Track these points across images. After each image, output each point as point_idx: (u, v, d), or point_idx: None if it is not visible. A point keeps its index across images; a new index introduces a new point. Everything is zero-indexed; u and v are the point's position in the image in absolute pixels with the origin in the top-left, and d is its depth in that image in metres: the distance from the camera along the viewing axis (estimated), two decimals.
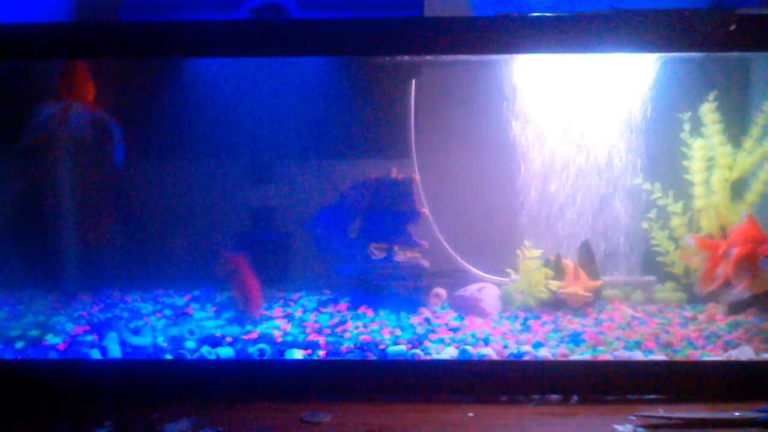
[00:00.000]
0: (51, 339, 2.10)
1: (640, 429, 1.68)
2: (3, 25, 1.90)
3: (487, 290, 2.33)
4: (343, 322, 2.19)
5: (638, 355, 1.95)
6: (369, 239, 2.36)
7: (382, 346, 2.00)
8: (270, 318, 2.24)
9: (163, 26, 1.94)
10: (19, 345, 2.06)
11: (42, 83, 2.31)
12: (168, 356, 1.99)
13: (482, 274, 2.44)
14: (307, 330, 2.13)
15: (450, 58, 2.25)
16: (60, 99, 2.22)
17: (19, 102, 2.25)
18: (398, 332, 2.11)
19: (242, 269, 2.26)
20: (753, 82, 2.38)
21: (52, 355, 2.01)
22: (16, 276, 2.27)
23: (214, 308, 2.35)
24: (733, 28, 1.80)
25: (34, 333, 2.13)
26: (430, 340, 2.04)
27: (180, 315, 2.29)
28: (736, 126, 2.30)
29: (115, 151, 2.18)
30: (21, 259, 2.29)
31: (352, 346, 2.01)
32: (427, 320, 2.21)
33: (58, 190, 2.45)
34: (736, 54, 2.19)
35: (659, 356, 1.95)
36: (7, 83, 2.24)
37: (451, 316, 2.24)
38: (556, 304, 2.29)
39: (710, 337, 2.06)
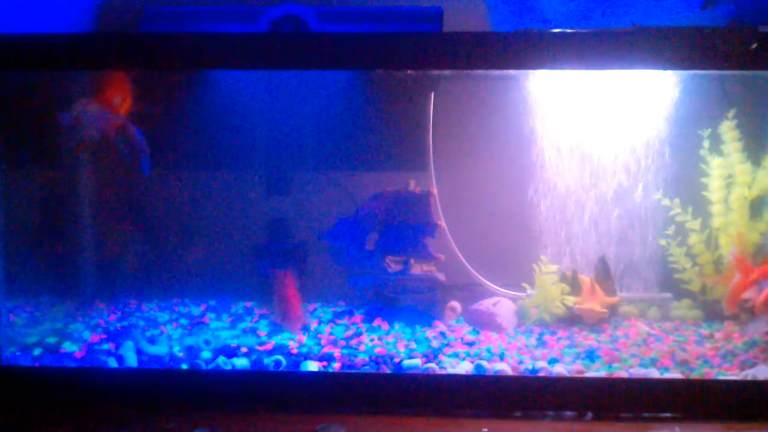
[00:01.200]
0: (68, 347, 2.11)
1: None
2: (24, 36, 1.92)
3: (502, 305, 2.32)
4: (358, 335, 2.20)
5: (654, 373, 1.94)
6: (385, 252, 2.36)
7: (396, 360, 2.00)
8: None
9: (183, 38, 1.96)
10: (37, 352, 2.08)
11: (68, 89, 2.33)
12: (184, 366, 2.00)
13: (498, 288, 2.44)
14: (323, 342, 2.14)
15: (469, 72, 2.25)
16: (92, 104, 2.21)
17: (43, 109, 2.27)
18: (413, 345, 2.11)
19: (287, 285, 2.22)
20: None
21: (69, 362, 2.03)
22: (34, 282, 2.28)
23: (230, 318, 2.36)
24: (754, 46, 1.79)
25: (52, 340, 2.15)
26: (445, 354, 2.04)
27: (196, 324, 2.30)
28: (756, 144, 2.29)
29: (142, 163, 2.16)
30: (38, 265, 2.30)
31: (367, 358, 2.01)
32: (443, 334, 2.21)
33: (76, 197, 2.47)
34: (756, 72, 2.18)
35: (675, 374, 1.94)
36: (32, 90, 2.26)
37: (466, 330, 2.24)
38: (572, 319, 2.28)
39: (727, 355, 2.05)
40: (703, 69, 1.88)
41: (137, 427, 1.77)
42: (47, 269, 2.33)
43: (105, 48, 1.91)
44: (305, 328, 2.22)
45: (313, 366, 1.98)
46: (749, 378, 1.92)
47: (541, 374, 1.94)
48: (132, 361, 2.03)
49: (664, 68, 1.90)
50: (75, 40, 1.95)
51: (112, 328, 2.25)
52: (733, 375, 1.94)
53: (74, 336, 2.19)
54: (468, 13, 2.37)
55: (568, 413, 1.86)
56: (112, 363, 2.01)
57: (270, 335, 2.19)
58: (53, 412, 1.87)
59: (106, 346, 2.11)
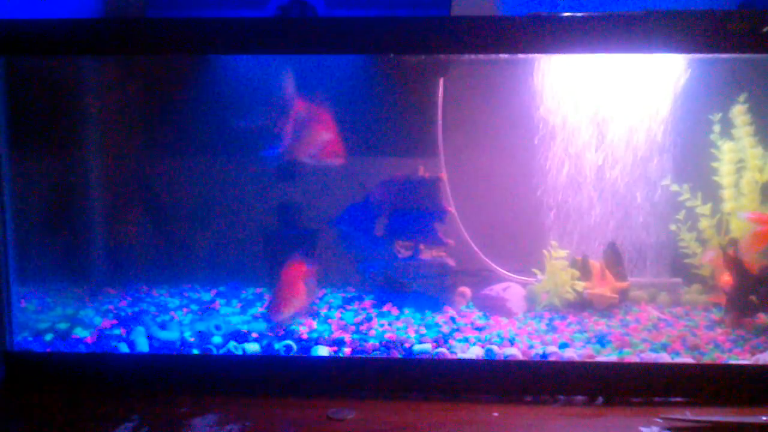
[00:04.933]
0: (80, 332, 2.12)
1: (666, 431, 1.68)
2: (33, 21, 1.92)
3: (512, 290, 2.32)
4: (368, 320, 2.20)
5: (665, 357, 1.94)
6: (395, 237, 2.37)
7: (407, 344, 2.01)
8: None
9: (190, 23, 1.94)
10: (49, 337, 2.09)
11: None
12: (195, 351, 2.01)
13: (508, 273, 2.44)
14: (333, 327, 2.14)
15: (479, 57, 2.24)
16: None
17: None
18: (423, 330, 2.11)
19: (292, 275, 2.12)
20: None
21: (81, 348, 2.04)
22: (46, 268, 2.29)
23: (240, 304, 2.36)
24: (765, 29, 1.78)
25: (63, 326, 2.15)
26: (455, 339, 2.04)
27: (206, 310, 2.30)
28: None
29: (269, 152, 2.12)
30: (50, 251, 2.31)
31: (377, 343, 2.01)
32: (453, 319, 2.21)
33: (88, 184, 2.47)
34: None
35: (686, 359, 1.94)
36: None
37: (476, 316, 2.24)
38: (582, 304, 2.28)
39: (737, 340, 2.05)
40: (715, 52, 1.87)
41: (150, 412, 1.78)
42: (59, 255, 2.34)
43: (112, 33, 1.90)
44: (316, 315, 2.22)
45: (323, 351, 1.98)
46: (760, 363, 1.91)
47: (551, 359, 1.94)
48: (143, 346, 2.03)
49: (676, 52, 1.89)
50: (82, 25, 1.94)
51: (123, 314, 2.26)
52: (744, 360, 1.94)
53: (85, 322, 2.20)
54: (476, 0, 2.36)
55: (579, 398, 1.87)
56: (124, 348, 2.02)
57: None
58: (65, 398, 1.88)
59: (117, 332, 2.11)
